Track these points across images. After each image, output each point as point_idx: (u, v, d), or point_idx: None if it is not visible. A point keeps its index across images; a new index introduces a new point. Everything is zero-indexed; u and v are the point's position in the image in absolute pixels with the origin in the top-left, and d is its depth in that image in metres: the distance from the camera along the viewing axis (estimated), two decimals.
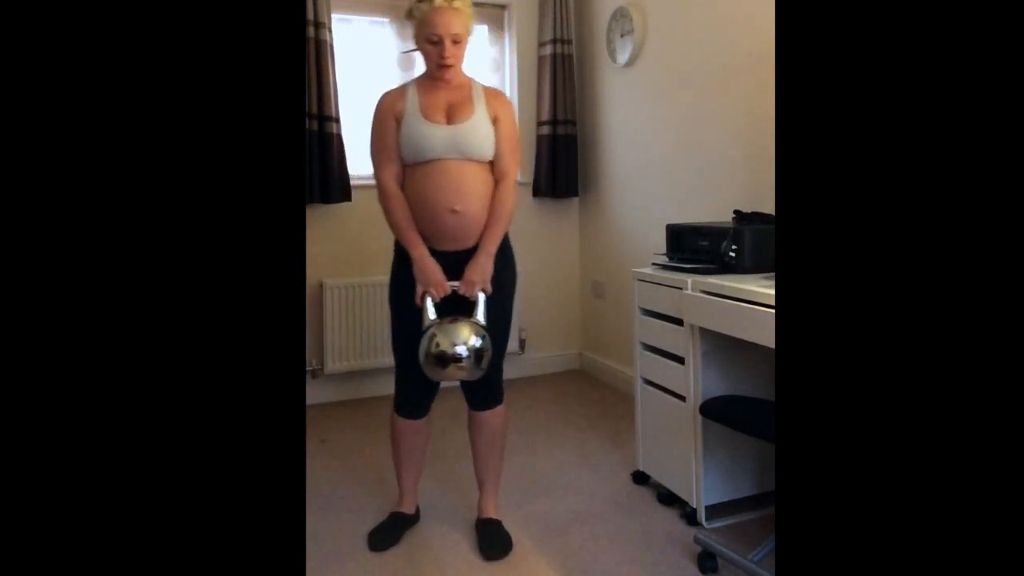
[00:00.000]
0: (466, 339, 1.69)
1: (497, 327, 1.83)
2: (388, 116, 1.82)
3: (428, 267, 1.76)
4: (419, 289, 1.76)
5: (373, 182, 3.18)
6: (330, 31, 2.96)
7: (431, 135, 1.75)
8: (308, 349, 3.13)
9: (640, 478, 2.21)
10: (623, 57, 3.10)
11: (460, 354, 1.67)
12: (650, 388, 2.11)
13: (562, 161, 3.41)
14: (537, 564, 1.76)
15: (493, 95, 1.86)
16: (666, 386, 2.02)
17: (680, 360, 1.94)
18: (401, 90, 1.84)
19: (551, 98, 3.37)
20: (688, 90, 2.71)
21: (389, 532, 1.89)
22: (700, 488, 1.91)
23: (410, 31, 1.82)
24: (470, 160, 1.77)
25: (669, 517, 1.99)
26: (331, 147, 2.96)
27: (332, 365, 3.10)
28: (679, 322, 1.94)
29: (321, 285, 3.10)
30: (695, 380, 1.89)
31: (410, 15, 1.79)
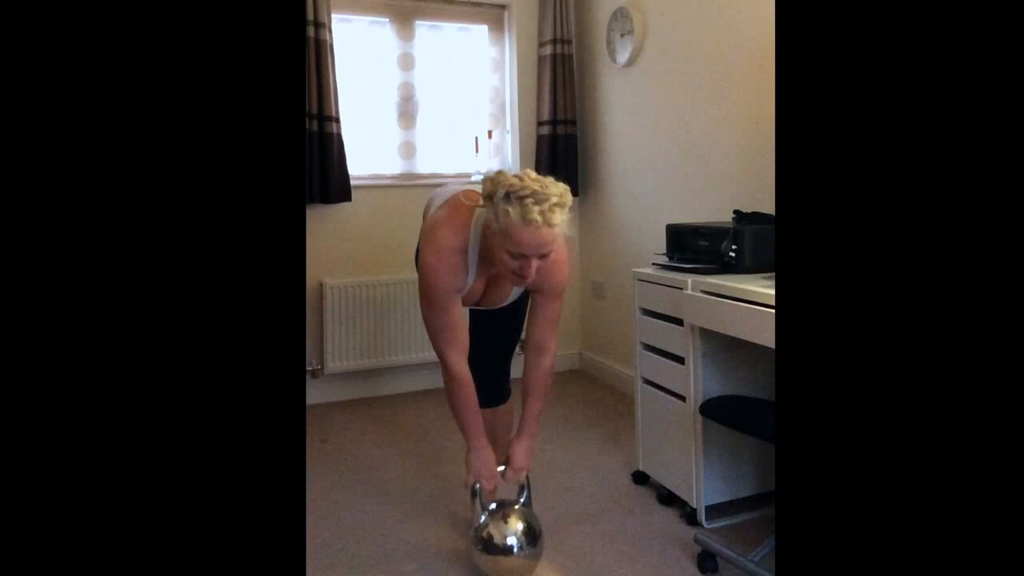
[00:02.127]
0: (516, 531, 1.64)
1: (514, 324, 1.81)
2: (452, 297, 1.56)
3: (484, 459, 1.69)
4: (470, 478, 1.71)
5: (373, 182, 3.23)
6: (330, 31, 2.97)
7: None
8: (308, 349, 3.13)
9: (640, 478, 2.21)
10: (623, 57, 3.10)
11: (511, 546, 1.63)
12: (650, 388, 2.11)
13: (562, 161, 3.41)
14: (537, 564, 1.76)
15: (546, 273, 1.60)
16: (666, 386, 2.02)
17: (680, 360, 1.94)
18: (462, 263, 1.55)
19: (551, 98, 3.37)
20: (688, 90, 2.71)
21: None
22: (700, 488, 1.91)
23: (484, 203, 1.45)
24: None
25: (669, 517, 1.99)
26: (331, 147, 2.96)
27: (332, 365, 3.10)
28: (679, 322, 1.94)
29: (321, 285, 3.10)
30: (695, 380, 1.89)
31: (489, 200, 1.43)
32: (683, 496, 1.97)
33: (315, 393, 3.16)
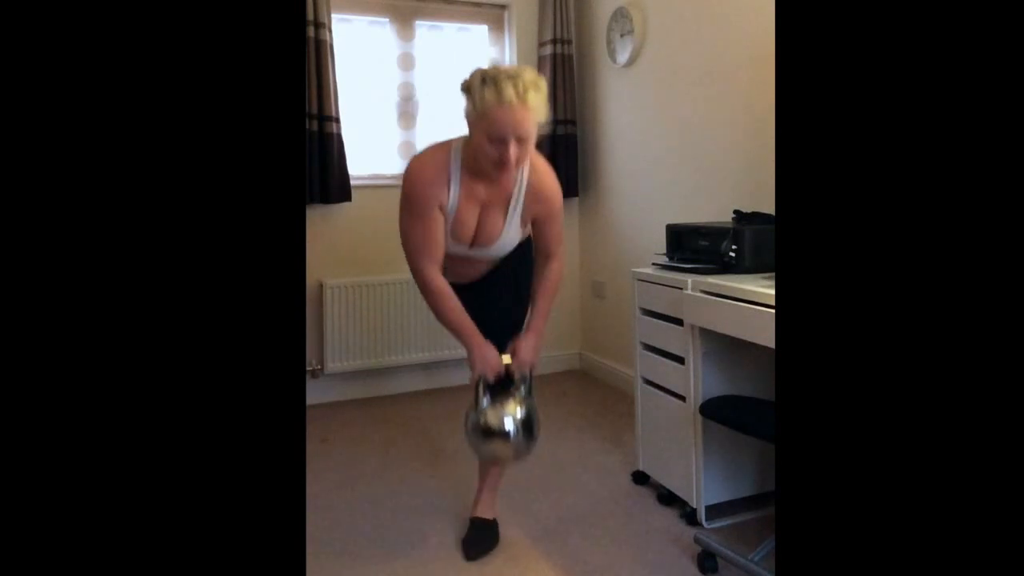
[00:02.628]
0: (513, 413, 1.69)
1: (520, 297, 1.83)
2: (432, 205, 1.59)
3: (487, 355, 1.69)
4: (474, 375, 1.72)
5: (373, 182, 3.23)
6: (330, 31, 2.96)
7: (453, 249, 1.71)
8: (308, 349, 3.13)
9: (640, 478, 2.21)
10: (623, 57, 3.10)
11: (508, 430, 1.67)
12: (650, 388, 2.11)
13: (562, 161, 3.41)
14: (537, 564, 1.76)
15: (535, 195, 1.66)
16: (666, 386, 2.02)
17: (680, 360, 1.94)
18: (443, 172, 1.59)
19: (551, 98, 3.36)
20: (688, 90, 2.71)
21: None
22: (700, 488, 1.91)
23: (463, 103, 1.53)
24: None
25: (669, 517, 1.99)
26: (331, 147, 2.96)
27: (332, 365, 3.10)
28: (679, 322, 1.94)
29: (321, 285, 3.10)
30: (695, 380, 1.89)
31: (467, 92, 1.49)
32: (683, 496, 1.97)
33: (315, 393, 3.16)
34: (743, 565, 1.59)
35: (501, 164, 1.48)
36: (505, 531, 1.92)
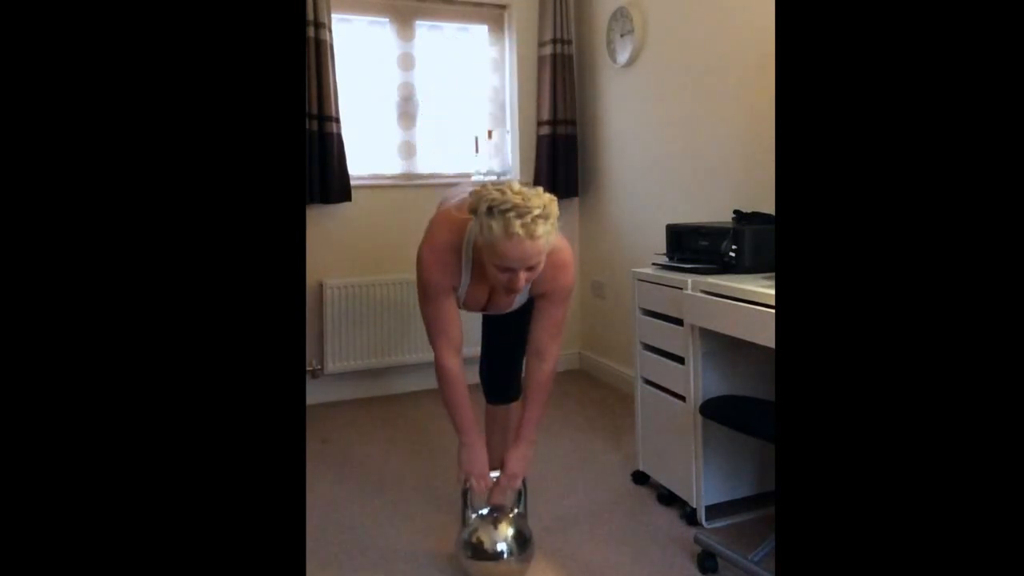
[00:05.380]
0: (506, 536, 1.60)
1: (526, 320, 1.76)
2: (442, 291, 1.58)
3: (475, 455, 1.66)
4: (461, 475, 1.67)
5: (373, 182, 3.23)
6: (330, 31, 2.96)
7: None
8: (308, 349, 3.13)
9: (640, 478, 2.21)
10: (623, 57, 3.10)
11: (502, 551, 1.58)
12: (650, 388, 2.11)
13: (562, 161, 3.41)
14: (537, 564, 1.75)
15: (549, 275, 1.59)
16: (666, 386, 2.02)
17: (680, 360, 1.94)
18: (455, 261, 1.57)
19: (551, 98, 3.36)
20: (688, 90, 2.71)
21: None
22: (700, 488, 1.91)
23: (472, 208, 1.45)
24: None
25: (669, 517, 1.99)
26: (331, 147, 2.96)
27: (332, 365, 3.10)
28: (679, 322, 1.94)
29: (321, 285, 3.10)
30: (695, 380, 1.89)
31: (475, 216, 1.43)
32: (683, 496, 1.97)
33: (315, 393, 3.16)
34: (743, 565, 1.59)
35: (511, 288, 1.46)
36: None
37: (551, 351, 1.67)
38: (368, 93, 3.25)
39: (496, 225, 1.36)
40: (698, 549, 1.76)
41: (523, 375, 1.86)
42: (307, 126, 2.93)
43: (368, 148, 3.26)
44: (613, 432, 2.70)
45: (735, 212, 2.15)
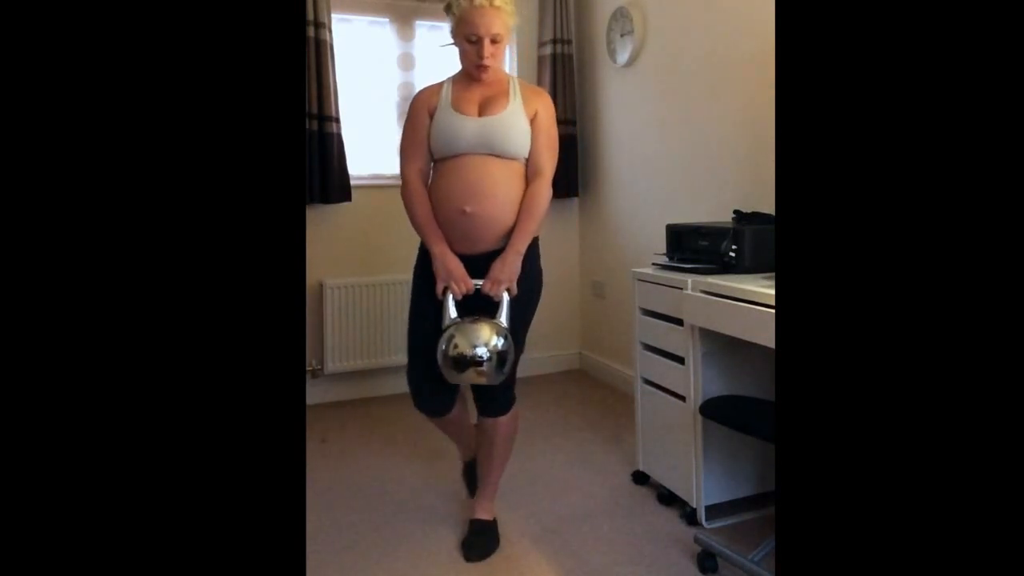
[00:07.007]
0: (487, 340, 1.58)
1: (513, 332, 1.72)
2: (421, 110, 1.80)
3: (449, 262, 1.71)
4: (439, 285, 1.71)
5: (373, 182, 3.22)
6: (330, 31, 2.96)
7: (461, 126, 1.72)
8: (308, 349, 3.13)
9: (640, 478, 2.21)
10: (623, 57, 3.09)
11: (480, 356, 1.57)
12: (650, 388, 2.11)
13: (562, 161, 3.39)
14: (536, 564, 1.76)
15: (533, 91, 1.83)
16: (666, 386, 2.02)
17: (680, 360, 1.94)
18: (437, 85, 1.84)
19: (551, 98, 3.36)
20: (688, 90, 2.71)
21: (470, 479, 2.09)
22: (700, 488, 1.91)
23: (449, 25, 1.80)
24: (498, 157, 1.72)
25: (669, 517, 1.99)
26: (331, 147, 2.96)
27: (332, 365, 3.10)
28: (679, 322, 1.94)
29: (321, 285, 3.10)
30: (695, 380, 1.89)
31: (448, 10, 1.76)
32: (683, 496, 1.97)
33: (315, 393, 3.16)
34: (743, 565, 1.59)
35: (480, 60, 1.72)
36: (505, 531, 1.92)
37: (546, 168, 1.81)
38: (368, 93, 3.25)
39: (464, 1, 1.70)
40: (698, 549, 1.76)
41: (514, 385, 1.85)
42: (307, 126, 2.93)
43: (368, 148, 3.26)
44: (613, 432, 2.70)
45: (735, 212, 2.15)
